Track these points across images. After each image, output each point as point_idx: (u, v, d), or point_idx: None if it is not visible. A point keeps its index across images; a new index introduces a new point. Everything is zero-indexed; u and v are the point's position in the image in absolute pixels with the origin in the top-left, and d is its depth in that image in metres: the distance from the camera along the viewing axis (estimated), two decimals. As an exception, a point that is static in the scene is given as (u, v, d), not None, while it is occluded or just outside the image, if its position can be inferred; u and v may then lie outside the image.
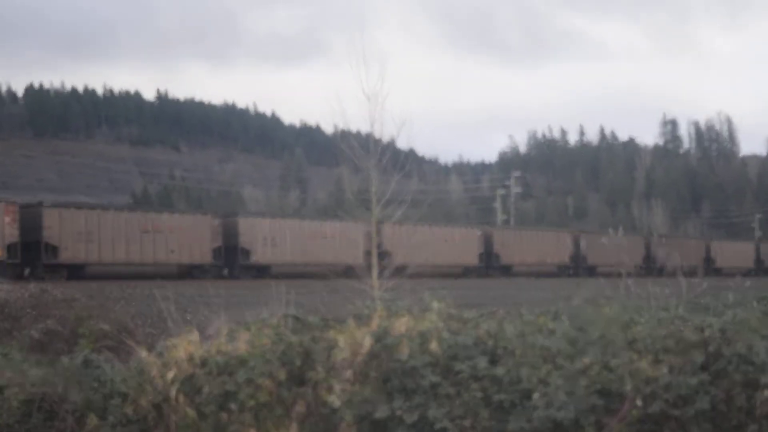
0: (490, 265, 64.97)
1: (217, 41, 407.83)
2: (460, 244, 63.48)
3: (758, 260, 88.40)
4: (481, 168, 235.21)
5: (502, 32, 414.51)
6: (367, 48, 26.13)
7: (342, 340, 12.67)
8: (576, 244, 69.16)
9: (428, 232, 62.29)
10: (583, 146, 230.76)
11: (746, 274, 77.44)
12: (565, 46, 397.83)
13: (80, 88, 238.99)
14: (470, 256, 64.24)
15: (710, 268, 77.83)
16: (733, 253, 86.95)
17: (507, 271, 64.27)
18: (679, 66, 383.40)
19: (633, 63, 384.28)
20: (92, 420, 12.15)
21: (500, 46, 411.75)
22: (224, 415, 11.84)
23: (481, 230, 67.73)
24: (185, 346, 12.96)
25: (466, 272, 62.44)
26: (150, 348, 14.28)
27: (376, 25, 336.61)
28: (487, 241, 65.22)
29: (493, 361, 12.48)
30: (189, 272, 45.36)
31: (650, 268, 65.69)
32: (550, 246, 65.23)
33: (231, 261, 48.24)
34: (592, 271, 57.70)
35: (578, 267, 65.89)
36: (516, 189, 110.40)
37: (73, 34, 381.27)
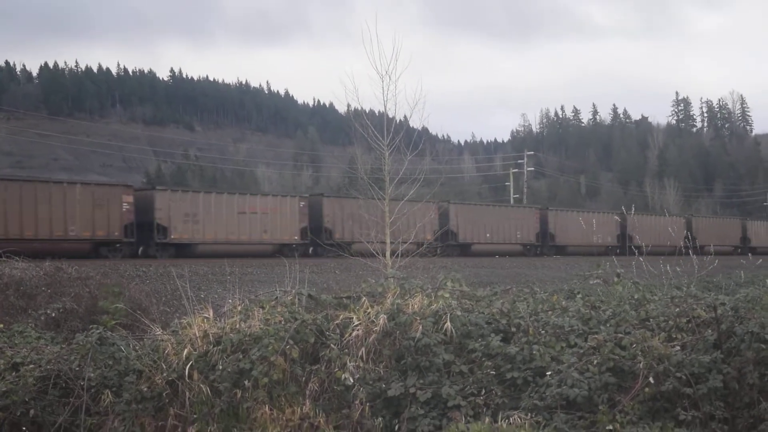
0: (545, 243, 66.75)
1: (200, 19, 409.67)
2: (519, 224, 65.44)
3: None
4: (494, 147, 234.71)
5: (498, 11, 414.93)
6: (381, 27, 26.04)
7: (355, 318, 12.73)
8: (623, 224, 70.98)
9: (489, 211, 65.80)
10: (596, 125, 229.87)
11: None
12: (566, 26, 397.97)
13: (94, 68, 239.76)
14: (528, 235, 66.07)
15: (746, 247, 79.54)
16: None
17: (561, 250, 66.12)
18: (675, 45, 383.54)
19: (635, 43, 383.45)
20: (107, 397, 12.20)
21: (499, 26, 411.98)
22: (238, 392, 11.90)
23: (538, 210, 69.56)
24: (199, 323, 13.02)
25: (524, 251, 65.05)
26: (164, 326, 14.36)
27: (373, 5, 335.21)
28: (543, 221, 67.30)
29: (506, 340, 12.53)
30: (279, 250, 47.24)
31: (691, 247, 67.33)
32: (600, 226, 66.53)
33: (314, 239, 50.03)
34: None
35: (624, 246, 66.69)
36: (528, 168, 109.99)
37: (49, 14, 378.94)
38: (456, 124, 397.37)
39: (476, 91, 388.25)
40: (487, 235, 61.59)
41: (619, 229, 69.27)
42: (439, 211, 49.48)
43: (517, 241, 63.88)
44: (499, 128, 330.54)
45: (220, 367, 12.07)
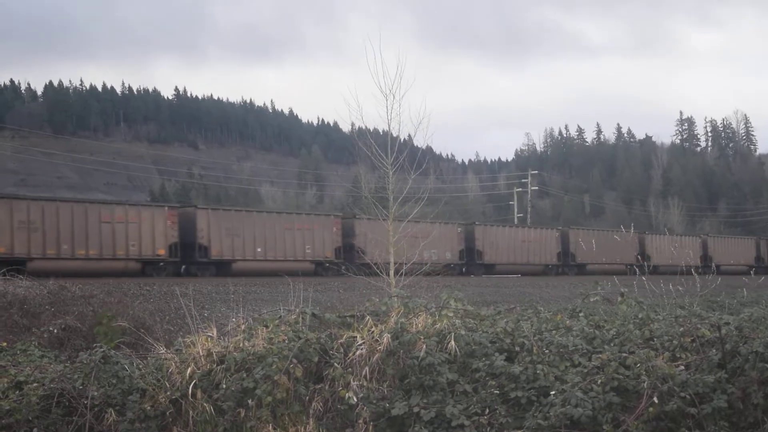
0: (566, 263, 68.66)
1: (193, 36, 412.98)
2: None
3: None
4: (498, 166, 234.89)
5: (492, 29, 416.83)
6: (377, 46, 26.08)
7: (359, 337, 12.71)
8: (642, 244, 73.13)
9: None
10: (600, 144, 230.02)
11: None
12: (560, 44, 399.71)
13: (99, 87, 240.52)
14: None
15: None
16: None
17: (582, 269, 67.39)
18: (675, 64, 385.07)
19: (634, 61, 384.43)
20: (111, 415, 12.18)
21: (494, 44, 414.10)
22: (242, 411, 11.89)
23: (559, 231, 71.67)
24: (203, 342, 13.01)
25: (545, 270, 67.36)
26: (168, 344, 14.34)
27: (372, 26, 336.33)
28: (564, 241, 69.52)
29: (510, 359, 12.51)
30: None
31: (706, 266, 72.37)
32: (620, 245, 66.07)
33: (348, 258, 53.01)
34: (655, 269, 58.79)
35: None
36: (533, 187, 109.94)
37: (41, 31, 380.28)
38: (459, 143, 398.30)
39: (476, 110, 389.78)
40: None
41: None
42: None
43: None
44: (502, 147, 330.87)
45: (224, 386, 12.06)
